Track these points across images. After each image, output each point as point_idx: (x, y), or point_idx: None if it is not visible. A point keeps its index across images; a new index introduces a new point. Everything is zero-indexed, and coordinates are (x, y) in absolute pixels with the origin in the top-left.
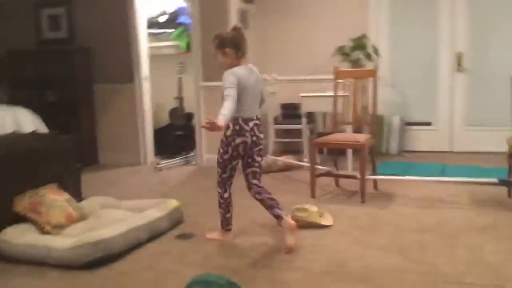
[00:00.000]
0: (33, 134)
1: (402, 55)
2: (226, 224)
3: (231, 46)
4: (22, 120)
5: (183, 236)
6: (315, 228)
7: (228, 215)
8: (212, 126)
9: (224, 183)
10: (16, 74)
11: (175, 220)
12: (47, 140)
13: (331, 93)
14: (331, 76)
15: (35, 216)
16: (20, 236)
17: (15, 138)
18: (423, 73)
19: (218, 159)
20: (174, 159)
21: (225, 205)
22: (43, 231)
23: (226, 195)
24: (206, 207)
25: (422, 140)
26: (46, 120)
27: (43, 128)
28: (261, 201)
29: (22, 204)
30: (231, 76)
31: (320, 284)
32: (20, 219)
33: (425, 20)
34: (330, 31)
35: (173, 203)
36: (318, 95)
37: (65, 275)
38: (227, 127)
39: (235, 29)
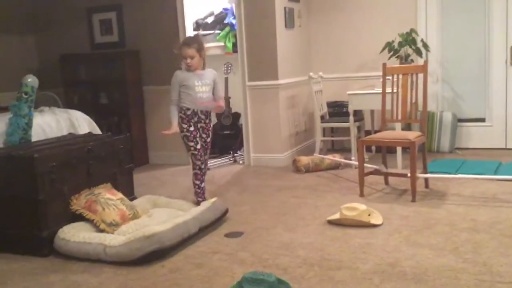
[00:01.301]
0: (88, 135)
1: (453, 49)
2: None
3: (204, 50)
4: (77, 122)
5: (232, 235)
6: (364, 227)
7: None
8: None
9: None
10: (70, 77)
11: (219, 211)
12: (101, 141)
13: (379, 90)
14: (379, 73)
15: (90, 215)
16: (77, 234)
17: (71, 140)
18: (476, 67)
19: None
20: (221, 158)
21: None
22: (98, 229)
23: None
24: (254, 206)
25: (475, 137)
26: (99, 122)
27: (96, 130)
28: None
29: (78, 203)
30: None
31: (370, 283)
32: (76, 217)
33: (476, 13)
34: (378, 27)
35: (211, 200)
36: (366, 92)
37: (120, 272)
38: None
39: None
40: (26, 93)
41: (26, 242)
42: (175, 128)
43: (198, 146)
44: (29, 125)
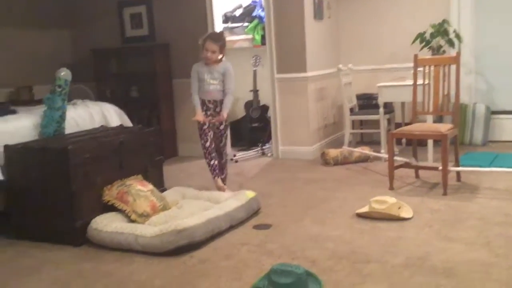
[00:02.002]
0: (120, 128)
1: (486, 40)
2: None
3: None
4: (109, 115)
5: (261, 227)
6: (394, 220)
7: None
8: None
9: None
10: (102, 71)
11: (252, 210)
12: (132, 133)
13: (410, 82)
14: (410, 65)
15: (122, 205)
16: (109, 224)
17: (104, 132)
18: (510, 58)
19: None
20: (250, 151)
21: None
22: (129, 219)
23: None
24: (283, 198)
25: (508, 130)
26: (129, 115)
27: (127, 122)
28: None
29: (110, 193)
30: None
31: (399, 277)
32: (108, 208)
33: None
34: (409, 17)
35: (249, 194)
36: (396, 84)
37: (151, 261)
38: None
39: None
40: (59, 86)
41: (60, 232)
42: (200, 114)
43: (206, 130)
44: (62, 117)
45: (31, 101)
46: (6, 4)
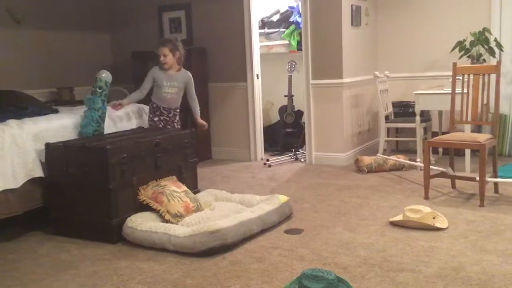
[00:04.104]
0: (156, 129)
1: None
2: None
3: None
4: (146, 117)
5: (293, 231)
6: (428, 230)
7: None
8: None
9: None
10: (141, 73)
11: (284, 214)
12: (168, 135)
13: (448, 90)
14: (448, 73)
15: (156, 205)
16: (144, 223)
17: (141, 133)
18: None
19: None
20: (283, 156)
21: None
22: (163, 219)
23: None
24: (315, 204)
25: None
26: None
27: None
28: None
29: (145, 193)
30: None
31: (432, 287)
32: (143, 207)
33: None
34: (448, 25)
35: (282, 198)
36: (434, 92)
37: (183, 261)
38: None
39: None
40: (100, 88)
41: (96, 229)
42: (119, 104)
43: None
44: (102, 118)
45: (72, 102)
46: (48, 8)
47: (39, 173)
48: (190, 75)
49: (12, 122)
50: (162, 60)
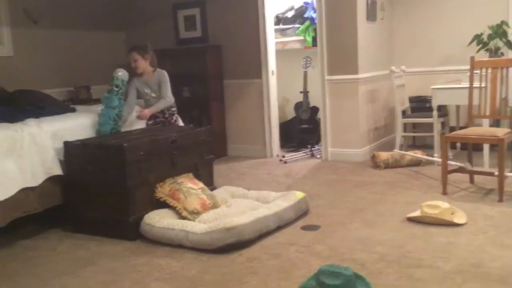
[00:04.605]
0: (172, 127)
1: None
2: None
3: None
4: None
5: (309, 228)
6: (446, 226)
7: None
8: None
9: None
10: None
11: (301, 210)
12: (184, 132)
13: (466, 85)
14: (466, 67)
15: (174, 202)
16: (161, 220)
17: (157, 131)
18: None
19: None
20: (299, 152)
21: None
22: (180, 216)
23: None
24: (332, 200)
25: None
26: (181, 114)
27: (179, 122)
28: None
29: (162, 190)
30: None
31: (451, 283)
32: (160, 204)
33: None
34: (465, 19)
35: (298, 194)
36: (451, 86)
37: (201, 258)
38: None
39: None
40: (117, 86)
41: (115, 226)
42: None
43: None
44: (119, 116)
45: (89, 100)
46: (64, 8)
47: (58, 171)
48: (164, 73)
49: (31, 121)
50: (133, 66)
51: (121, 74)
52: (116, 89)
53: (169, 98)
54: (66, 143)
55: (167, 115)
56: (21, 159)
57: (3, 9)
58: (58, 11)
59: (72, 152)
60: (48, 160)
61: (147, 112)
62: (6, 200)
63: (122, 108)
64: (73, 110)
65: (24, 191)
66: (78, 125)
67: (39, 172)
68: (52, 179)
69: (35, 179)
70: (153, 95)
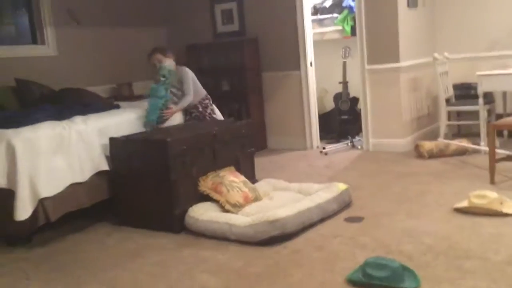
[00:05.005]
0: (213, 120)
1: None
2: None
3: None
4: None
5: (352, 219)
6: (495, 216)
7: None
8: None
9: None
10: (194, 66)
11: (343, 202)
12: (225, 126)
13: None
14: None
15: (216, 196)
16: (205, 213)
17: (199, 125)
18: None
19: None
20: (339, 144)
21: None
22: (223, 209)
23: None
24: (374, 191)
25: None
26: (220, 108)
27: (219, 115)
28: None
29: (205, 184)
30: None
31: (502, 274)
32: (204, 197)
33: None
34: (510, 2)
35: (341, 186)
36: (498, 73)
37: (245, 250)
38: None
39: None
40: (163, 76)
41: (160, 219)
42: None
43: None
44: (165, 105)
45: (131, 97)
46: (105, 7)
47: (104, 166)
48: (184, 70)
49: (78, 119)
50: (159, 66)
51: (168, 64)
52: (163, 79)
53: (190, 94)
54: (111, 139)
55: (200, 109)
56: (69, 155)
57: (47, 10)
58: (99, 11)
59: (118, 147)
60: (95, 156)
61: (174, 109)
62: (55, 195)
63: (169, 98)
64: (117, 107)
65: (73, 186)
66: (123, 121)
67: (86, 167)
68: (99, 174)
69: (83, 175)
70: (176, 91)
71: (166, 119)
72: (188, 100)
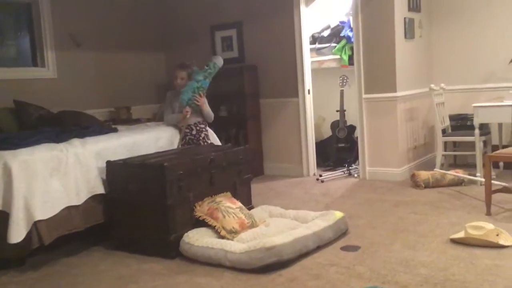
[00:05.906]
0: (211, 146)
1: None
2: None
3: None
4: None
5: (349, 248)
6: (491, 247)
7: None
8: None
9: None
10: None
11: (340, 231)
12: (222, 151)
13: (509, 102)
14: (507, 84)
15: (212, 221)
16: (200, 239)
17: (196, 150)
18: None
19: None
20: (336, 171)
21: None
22: (219, 235)
23: None
24: (370, 220)
25: None
26: (218, 133)
27: (216, 141)
28: None
29: (201, 209)
30: None
31: None
32: (199, 223)
33: None
34: (505, 35)
35: (337, 214)
36: (494, 104)
37: (240, 277)
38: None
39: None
40: (207, 65)
41: (155, 244)
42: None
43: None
44: (199, 89)
45: (129, 120)
46: (105, 31)
47: (100, 190)
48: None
49: (76, 141)
50: (179, 83)
51: (217, 60)
52: (206, 67)
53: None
54: (108, 163)
55: (194, 132)
56: (66, 178)
57: (49, 33)
58: (100, 35)
59: (114, 171)
60: (92, 179)
61: (203, 100)
62: (50, 218)
63: (205, 85)
64: (115, 130)
65: (68, 209)
66: (121, 144)
67: (82, 190)
68: (94, 198)
69: (79, 198)
70: (196, 106)
71: (196, 105)
72: (210, 111)
